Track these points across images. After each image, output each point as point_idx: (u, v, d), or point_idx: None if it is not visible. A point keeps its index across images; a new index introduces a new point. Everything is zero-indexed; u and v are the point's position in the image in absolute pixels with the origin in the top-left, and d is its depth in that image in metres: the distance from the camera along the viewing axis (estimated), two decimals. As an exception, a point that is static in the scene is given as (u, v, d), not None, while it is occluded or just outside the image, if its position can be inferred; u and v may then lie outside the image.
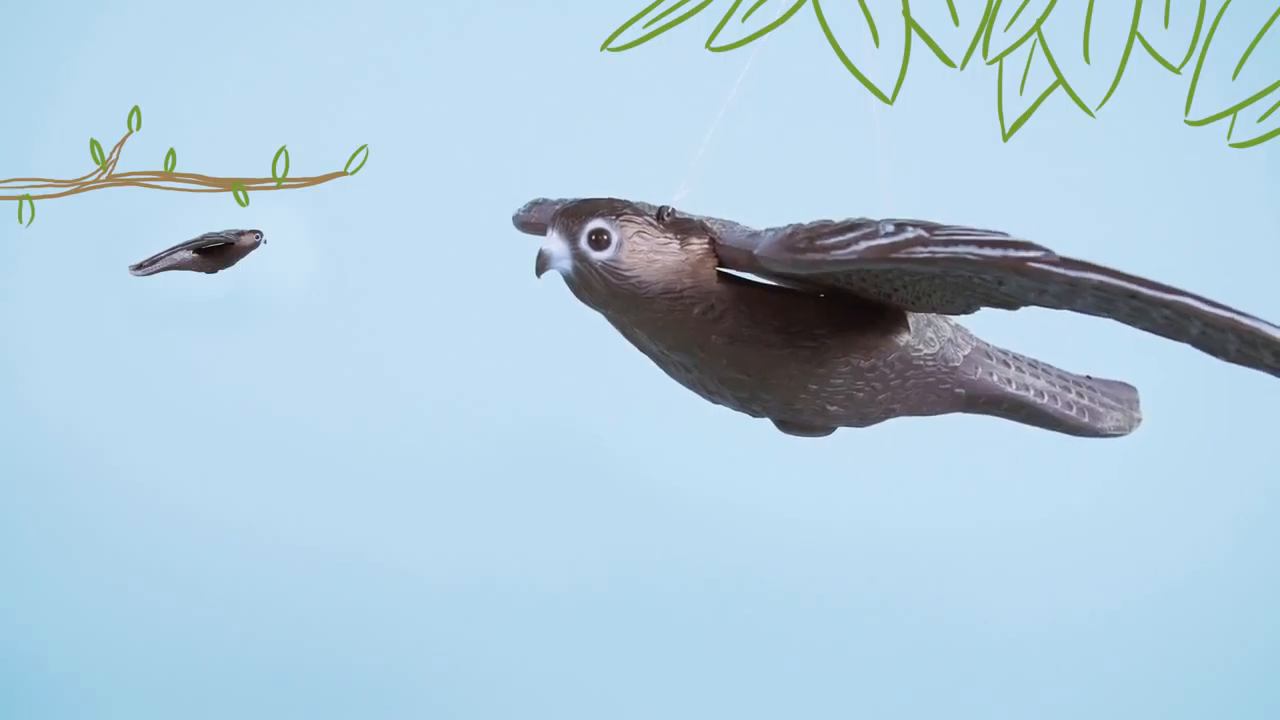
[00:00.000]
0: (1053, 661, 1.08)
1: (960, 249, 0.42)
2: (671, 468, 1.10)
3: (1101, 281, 0.41)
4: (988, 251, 0.42)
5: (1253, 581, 1.08)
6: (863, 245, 0.44)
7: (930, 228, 0.43)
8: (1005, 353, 0.58)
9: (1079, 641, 1.08)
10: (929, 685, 1.08)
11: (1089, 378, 0.60)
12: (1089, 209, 1.09)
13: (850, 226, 0.45)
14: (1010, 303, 0.47)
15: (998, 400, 0.57)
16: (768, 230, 0.49)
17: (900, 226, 0.44)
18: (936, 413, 0.57)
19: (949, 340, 0.55)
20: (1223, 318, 0.40)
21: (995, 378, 0.56)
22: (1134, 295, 0.41)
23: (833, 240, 0.45)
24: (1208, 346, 0.42)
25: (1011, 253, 0.42)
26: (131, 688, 1.09)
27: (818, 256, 0.45)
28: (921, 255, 0.43)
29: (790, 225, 0.47)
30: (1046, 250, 0.42)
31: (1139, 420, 0.60)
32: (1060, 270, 0.41)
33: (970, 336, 0.57)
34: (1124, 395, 0.61)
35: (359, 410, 1.11)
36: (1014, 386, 0.57)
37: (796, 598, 1.09)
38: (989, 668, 1.08)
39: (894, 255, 0.43)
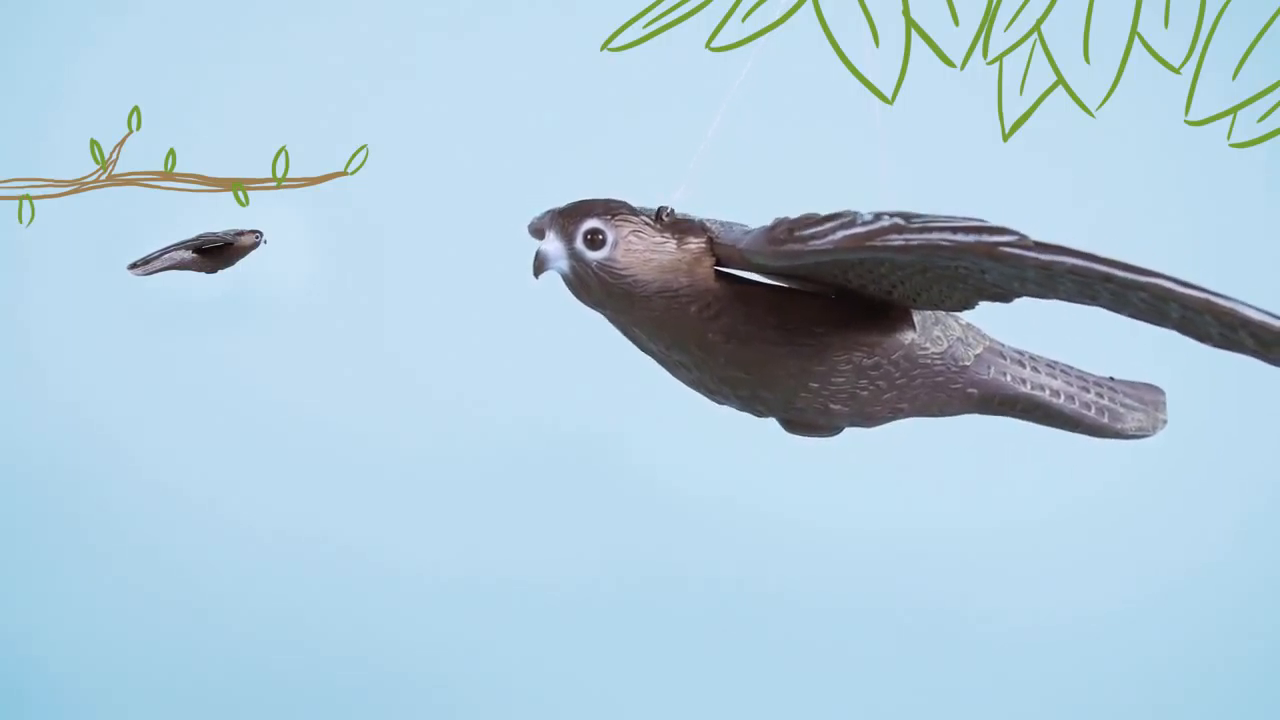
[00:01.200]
0: (1053, 661, 1.08)
1: (934, 236, 0.42)
2: (674, 467, 1.10)
3: (1075, 265, 0.41)
4: (961, 237, 0.42)
5: (1253, 581, 1.08)
6: (839, 235, 0.44)
7: (908, 216, 0.43)
8: (1021, 353, 0.57)
9: (1079, 641, 1.08)
10: (930, 685, 1.08)
11: (1112, 379, 0.60)
12: (1089, 209, 1.09)
13: (830, 218, 0.45)
14: (1002, 294, 0.47)
15: (1012, 401, 0.56)
16: (760, 226, 0.49)
17: (878, 216, 0.44)
18: (949, 413, 0.57)
19: (959, 339, 0.55)
20: (1197, 299, 0.40)
21: (1009, 377, 0.56)
22: (1109, 279, 0.40)
23: (811, 231, 0.45)
24: (1190, 331, 0.42)
25: (985, 238, 0.42)
26: (131, 685, 1.09)
27: (797, 247, 0.46)
28: (897, 243, 0.43)
29: (775, 219, 0.47)
30: (1020, 235, 0.42)
31: (1164, 422, 0.60)
32: (1034, 255, 0.41)
33: (983, 336, 0.57)
34: (1149, 397, 0.60)
35: (359, 410, 1.11)
36: (1029, 386, 0.56)
37: (798, 598, 1.09)
38: (990, 667, 1.08)
39: (869, 243, 0.44)
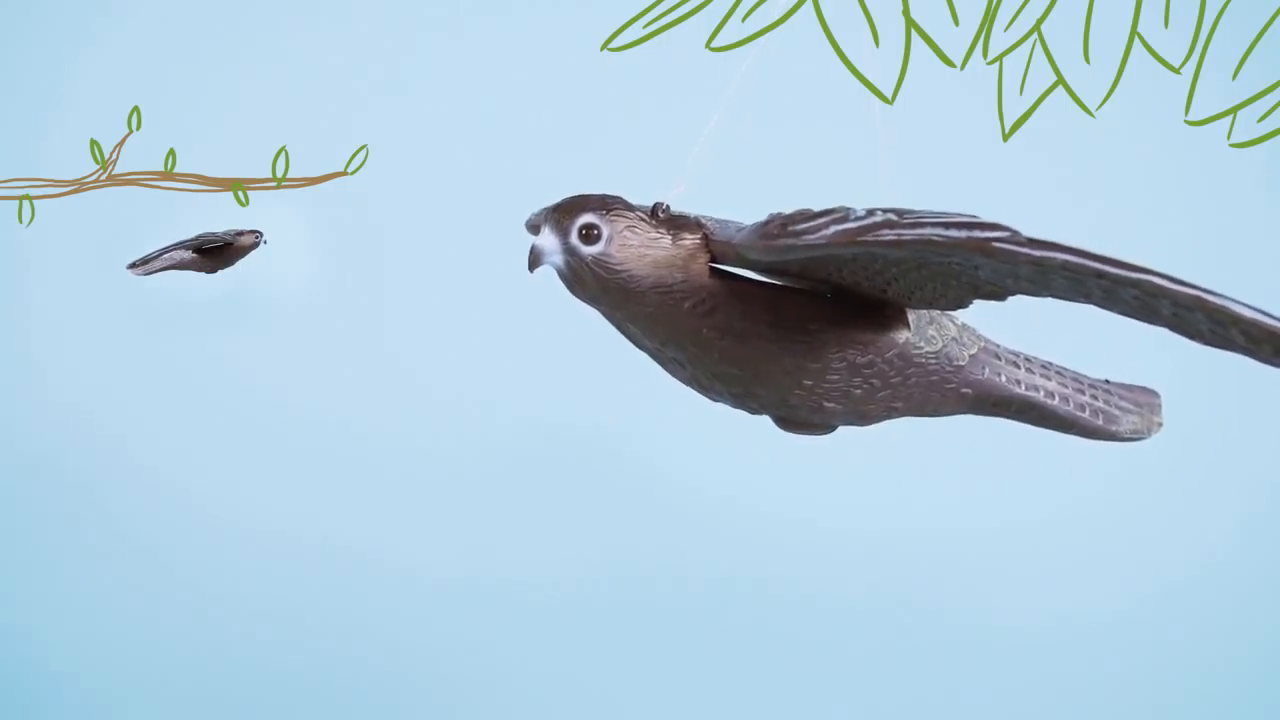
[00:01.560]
0: (1052, 661, 1.08)
1: (927, 231, 0.43)
2: (673, 466, 1.10)
3: (1067, 261, 0.41)
4: (953, 233, 0.42)
5: (1253, 581, 1.08)
6: (832, 230, 0.45)
7: (901, 212, 0.43)
8: (1016, 354, 0.57)
9: (1079, 641, 1.08)
10: (930, 685, 1.08)
11: (1107, 381, 0.60)
12: (1089, 209, 1.09)
13: (824, 213, 0.45)
14: (996, 292, 0.47)
15: (1006, 401, 0.56)
16: (755, 222, 0.49)
17: (871, 212, 0.44)
18: (943, 413, 0.57)
19: (954, 339, 0.55)
20: (1188, 295, 0.40)
21: (1003, 378, 0.56)
22: (1101, 275, 0.40)
23: (804, 226, 0.46)
24: (1181, 328, 0.42)
25: (978, 233, 0.42)
26: (131, 685, 1.09)
27: (789, 241, 0.46)
28: (889, 238, 0.43)
29: (770, 214, 0.47)
30: (1013, 230, 0.42)
31: (1159, 425, 0.60)
32: (1025, 250, 0.41)
33: (978, 336, 0.57)
34: (1144, 399, 0.60)
35: (359, 410, 1.11)
36: (1023, 387, 0.56)
37: (797, 597, 1.09)
38: (989, 667, 1.08)
39: (861, 238, 0.44)
